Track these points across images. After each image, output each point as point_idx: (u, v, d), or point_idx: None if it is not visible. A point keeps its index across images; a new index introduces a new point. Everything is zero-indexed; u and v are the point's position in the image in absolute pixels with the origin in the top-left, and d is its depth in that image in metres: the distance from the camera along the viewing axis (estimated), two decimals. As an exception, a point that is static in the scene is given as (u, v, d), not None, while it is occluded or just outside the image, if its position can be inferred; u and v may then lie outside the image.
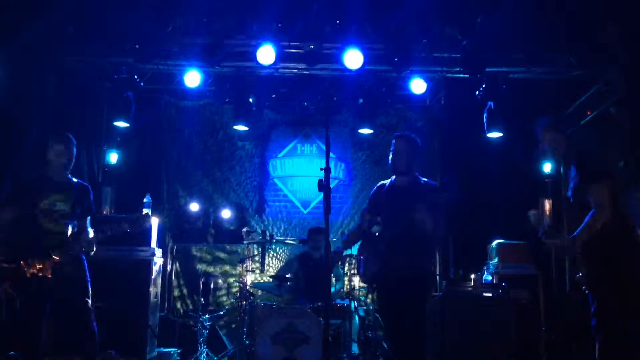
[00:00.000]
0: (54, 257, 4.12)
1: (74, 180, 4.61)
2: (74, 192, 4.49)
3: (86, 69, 6.99)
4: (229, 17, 6.22)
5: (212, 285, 7.15)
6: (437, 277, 7.21)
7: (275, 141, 8.41)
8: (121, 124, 7.15)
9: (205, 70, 7.04)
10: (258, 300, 6.12)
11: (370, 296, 5.93)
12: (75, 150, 4.55)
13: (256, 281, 7.33)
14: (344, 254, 5.38)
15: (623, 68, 6.16)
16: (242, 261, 6.20)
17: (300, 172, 8.35)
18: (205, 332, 6.14)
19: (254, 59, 6.34)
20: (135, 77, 6.96)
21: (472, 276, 6.04)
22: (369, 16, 6.25)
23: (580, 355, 5.95)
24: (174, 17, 6.27)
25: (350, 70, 6.44)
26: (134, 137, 7.99)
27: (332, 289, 6.48)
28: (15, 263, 4.05)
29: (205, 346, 6.12)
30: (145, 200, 6.36)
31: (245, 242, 6.61)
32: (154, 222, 6.15)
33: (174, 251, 7.80)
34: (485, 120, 7.01)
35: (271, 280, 6.63)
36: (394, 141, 4.48)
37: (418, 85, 7.02)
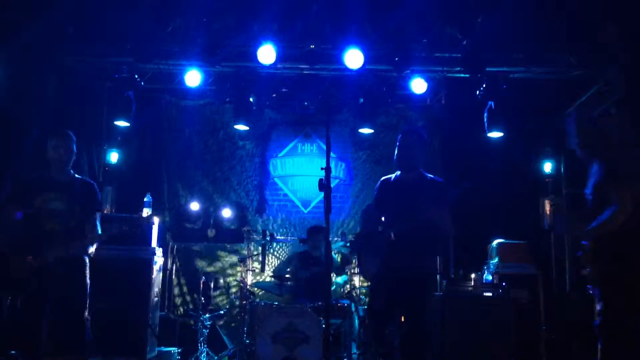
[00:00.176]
0: (42, 256, 4.11)
1: (78, 177, 4.55)
2: (75, 190, 4.42)
3: (86, 68, 7.00)
4: (229, 17, 6.23)
5: (212, 285, 7.15)
6: (438, 276, 7.21)
7: (275, 141, 8.41)
8: (122, 124, 7.14)
9: (206, 70, 7.05)
10: (258, 300, 6.12)
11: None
12: (74, 146, 4.49)
13: (256, 280, 7.34)
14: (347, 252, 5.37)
15: (623, 68, 6.15)
16: (242, 260, 6.22)
17: (300, 171, 8.35)
18: (206, 331, 6.15)
19: (255, 58, 6.34)
20: (136, 76, 6.96)
21: (473, 276, 6.04)
22: (369, 16, 6.25)
23: (580, 355, 5.96)
24: (174, 17, 6.28)
25: (350, 70, 6.45)
26: (134, 136, 8.00)
27: (332, 287, 6.48)
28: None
29: (205, 345, 6.13)
30: (145, 199, 6.40)
31: (245, 241, 6.62)
32: (155, 221, 6.17)
33: (175, 250, 7.81)
34: (485, 120, 7.01)
35: (271, 279, 6.63)
36: (400, 136, 4.43)
37: (418, 85, 7.02)
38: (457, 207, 4.40)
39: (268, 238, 6.58)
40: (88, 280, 4.38)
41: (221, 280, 7.74)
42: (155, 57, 6.45)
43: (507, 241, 6.63)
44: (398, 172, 4.48)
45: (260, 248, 7.05)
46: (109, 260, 5.62)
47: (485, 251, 6.90)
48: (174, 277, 7.75)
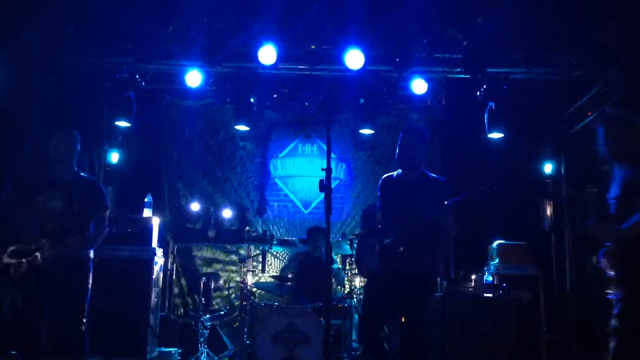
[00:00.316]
0: (35, 255, 4.10)
1: (82, 175, 4.50)
2: (76, 189, 4.37)
3: (86, 68, 7.00)
4: (230, 17, 6.23)
5: (212, 285, 7.15)
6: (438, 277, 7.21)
7: (276, 141, 8.41)
8: (123, 124, 7.15)
9: (207, 70, 7.05)
10: (258, 300, 6.12)
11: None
12: (77, 144, 4.46)
13: (257, 281, 7.34)
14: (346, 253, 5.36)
15: (623, 68, 6.15)
16: (242, 261, 6.21)
17: (301, 172, 8.35)
18: (206, 331, 6.14)
19: (255, 59, 6.35)
20: (137, 76, 6.97)
21: (473, 277, 6.02)
22: (370, 16, 6.26)
23: (581, 356, 5.95)
24: (174, 17, 6.29)
25: (351, 71, 6.45)
26: (135, 136, 7.99)
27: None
28: None
29: (205, 346, 6.13)
30: (146, 199, 6.40)
31: (246, 242, 6.61)
32: (155, 221, 6.17)
33: (175, 251, 7.80)
34: (486, 120, 7.00)
35: (272, 280, 6.63)
36: (401, 134, 4.38)
37: (419, 86, 7.03)
38: (457, 208, 4.38)
39: (268, 239, 6.58)
40: (90, 281, 4.34)
41: (221, 281, 7.73)
42: (156, 57, 6.45)
43: (507, 242, 6.62)
44: (399, 171, 4.42)
45: (260, 248, 7.04)
46: (110, 260, 5.61)
47: (485, 252, 6.89)
48: (174, 277, 7.74)
